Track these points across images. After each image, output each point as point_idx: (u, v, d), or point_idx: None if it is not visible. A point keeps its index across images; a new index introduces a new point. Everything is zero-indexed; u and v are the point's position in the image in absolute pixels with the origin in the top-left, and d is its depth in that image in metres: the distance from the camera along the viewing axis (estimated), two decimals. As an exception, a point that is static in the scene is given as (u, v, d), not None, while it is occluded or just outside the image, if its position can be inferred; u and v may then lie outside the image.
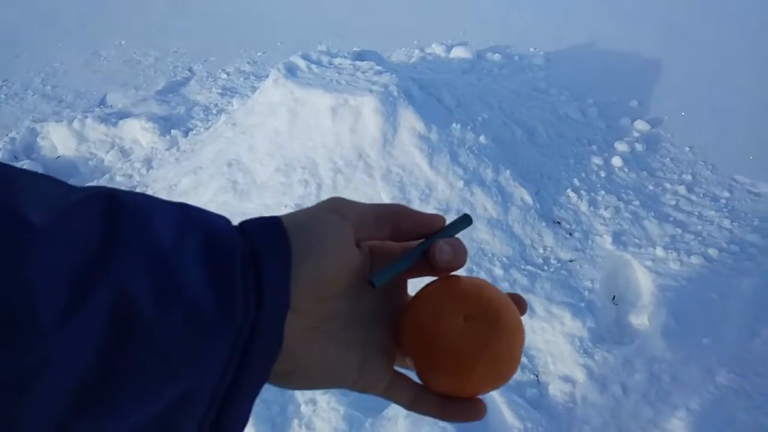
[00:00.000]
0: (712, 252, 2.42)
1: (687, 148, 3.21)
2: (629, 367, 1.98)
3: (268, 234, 0.36)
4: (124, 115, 3.54)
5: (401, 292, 0.45)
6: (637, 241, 2.51)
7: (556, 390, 1.93)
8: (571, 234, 2.54)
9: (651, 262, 2.37)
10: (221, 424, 0.34)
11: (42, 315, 0.26)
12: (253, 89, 3.69)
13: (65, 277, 0.27)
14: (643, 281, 2.33)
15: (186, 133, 3.36)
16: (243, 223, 0.37)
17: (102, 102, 3.96)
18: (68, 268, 0.28)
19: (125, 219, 0.31)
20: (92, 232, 0.29)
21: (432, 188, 2.55)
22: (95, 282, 0.28)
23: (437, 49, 4.25)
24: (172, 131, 3.34)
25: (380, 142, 2.62)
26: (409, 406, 0.43)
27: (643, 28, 4.69)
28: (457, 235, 0.44)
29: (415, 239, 0.43)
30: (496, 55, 4.16)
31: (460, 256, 0.42)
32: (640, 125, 3.38)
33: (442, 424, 1.71)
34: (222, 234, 0.34)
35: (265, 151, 2.73)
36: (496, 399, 1.83)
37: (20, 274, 0.26)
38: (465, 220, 0.45)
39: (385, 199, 2.50)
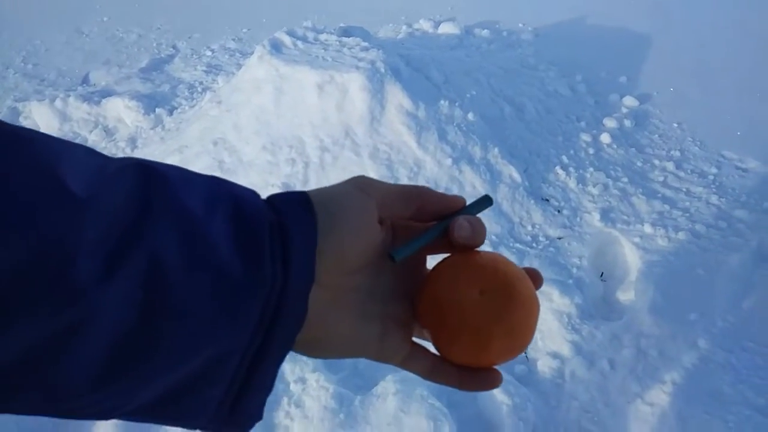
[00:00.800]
0: (700, 228, 2.43)
1: (675, 124, 3.21)
2: (617, 343, 1.99)
3: (295, 208, 0.38)
4: (107, 93, 3.48)
5: (420, 267, 0.46)
6: (625, 217, 2.51)
7: (544, 366, 1.94)
8: (559, 211, 2.53)
9: (639, 239, 2.37)
10: (248, 387, 0.36)
11: (81, 276, 0.28)
12: (239, 66, 3.63)
13: (103, 244, 0.30)
14: (631, 258, 2.33)
15: (171, 112, 3.31)
16: (271, 197, 0.39)
17: (85, 80, 3.89)
18: (106, 235, 0.30)
19: (159, 190, 0.33)
20: (128, 202, 0.31)
21: (420, 166, 2.53)
22: (131, 248, 0.30)
23: (425, 25, 4.20)
24: (157, 109, 3.29)
25: (367, 120, 2.59)
26: (426, 376, 0.45)
27: (633, 4, 4.65)
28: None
29: (436, 219, 0.45)
30: (485, 30, 4.12)
31: (478, 232, 0.43)
32: (629, 101, 3.36)
33: (430, 400, 1.72)
34: (251, 206, 0.36)
35: (251, 129, 2.69)
36: (484, 376, 1.83)
37: (62, 239, 0.28)
38: (485, 201, 0.46)
39: (373, 177, 2.48)
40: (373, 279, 0.43)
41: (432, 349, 0.45)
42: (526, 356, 1.98)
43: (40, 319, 0.28)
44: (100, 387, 0.31)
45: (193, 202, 0.34)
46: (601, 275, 2.30)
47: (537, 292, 0.44)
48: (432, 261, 0.46)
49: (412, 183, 2.46)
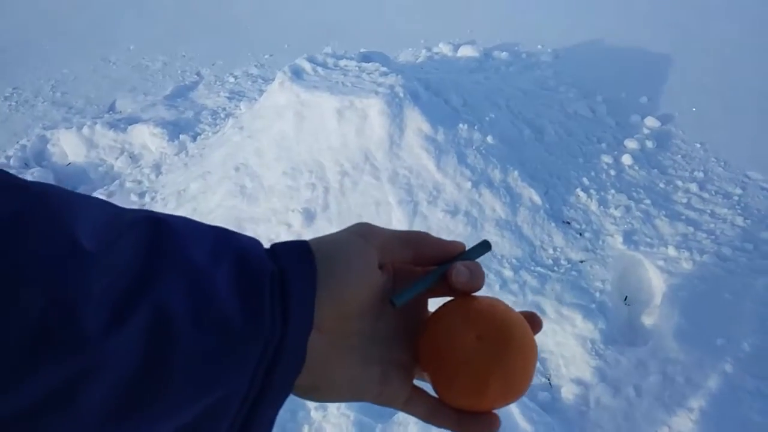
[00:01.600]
0: (726, 250, 2.39)
1: (698, 145, 3.17)
2: (642, 369, 1.95)
3: (295, 257, 0.39)
4: (133, 120, 3.55)
5: (421, 310, 0.47)
6: (648, 240, 2.48)
7: (568, 393, 1.91)
8: (581, 234, 2.51)
9: (663, 262, 2.34)
10: (247, 429, 0.37)
11: (87, 327, 0.30)
12: (261, 92, 3.69)
13: (110, 296, 0.31)
14: (655, 281, 2.30)
15: (194, 138, 3.37)
16: (274, 247, 0.40)
17: (111, 108, 3.98)
18: (113, 288, 0.31)
19: (166, 243, 0.35)
20: (136, 256, 0.33)
21: (440, 190, 2.53)
22: (137, 300, 0.32)
23: (444, 49, 4.23)
24: (181, 136, 3.35)
25: (387, 144, 2.61)
26: (426, 419, 0.45)
27: (652, 24, 4.64)
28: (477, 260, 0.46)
29: (436, 264, 0.46)
30: (504, 53, 4.13)
31: (476, 278, 0.44)
32: (651, 122, 3.34)
33: (452, 429, 1.70)
34: (253, 256, 0.37)
35: (272, 155, 2.72)
36: (506, 403, 1.81)
37: (70, 291, 0.30)
38: (484, 246, 0.47)
39: (392, 201, 2.49)
40: (374, 323, 0.44)
41: (432, 392, 0.45)
42: (550, 383, 1.95)
43: (48, 368, 0.29)
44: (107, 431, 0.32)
45: (200, 255, 0.35)
46: (625, 299, 2.27)
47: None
48: (434, 303, 0.47)
49: (431, 207, 2.46)
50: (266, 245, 0.40)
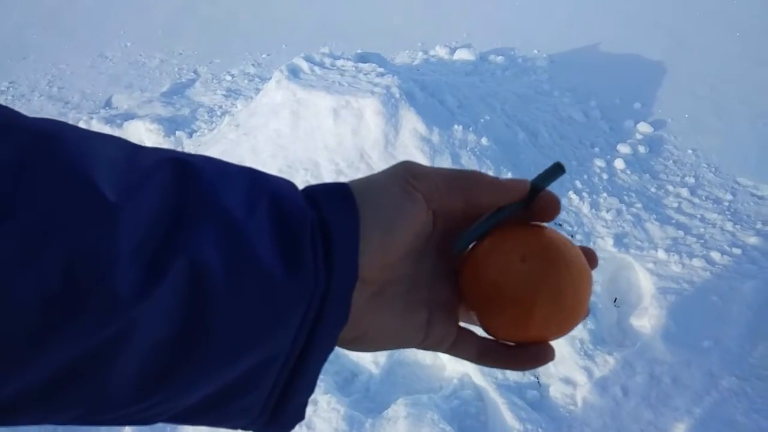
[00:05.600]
0: (714, 255, 2.42)
1: (690, 151, 3.21)
2: (630, 370, 1.98)
3: (336, 203, 0.35)
4: (129, 116, 3.56)
5: None
6: (638, 243, 2.50)
7: (556, 392, 1.93)
8: (572, 236, 2.54)
9: (653, 265, 2.37)
10: (291, 389, 0.35)
11: (118, 292, 0.27)
12: (257, 91, 3.71)
13: (140, 254, 0.28)
14: (645, 283, 2.33)
15: (190, 135, 3.38)
16: (310, 190, 0.37)
17: (107, 103, 3.99)
18: (143, 243, 0.28)
19: (196, 188, 0.31)
20: (164, 202, 0.30)
21: (434, 190, 2.55)
22: (170, 256, 0.29)
23: (440, 51, 4.25)
24: (177, 132, 3.36)
25: (382, 144, 2.63)
26: (476, 360, 0.42)
27: (647, 31, 4.69)
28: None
29: (490, 209, 0.41)
30: (500, 57, 4.16)
31: (553, 212, 0.41)
32: (643, 127, 3.37)
33: (441, 424, 1.72)
34: (290, 202, 0.34)
35: (268, 152, 2.74)
36: (496, 400, 1.83)
37: (97, 252, 0.27)
38: (557, 169, 0.40)
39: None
40: (417, 265, 0.40)
41: (480, 332, 0.42)
42: (538, 381, 1.98)
43: (77, 337, 0.27)
44: (142, 398, 0.30)
45: (232, 201, 0.32)
46: (615, 301, 2.30)
47: None
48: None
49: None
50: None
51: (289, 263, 0.32)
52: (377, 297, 0.38)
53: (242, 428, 0.36)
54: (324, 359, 0.35)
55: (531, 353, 0.41)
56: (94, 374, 0.28)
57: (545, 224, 0.41)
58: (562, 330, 0.39)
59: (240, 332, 0.31)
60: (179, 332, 0.29)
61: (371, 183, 0.38)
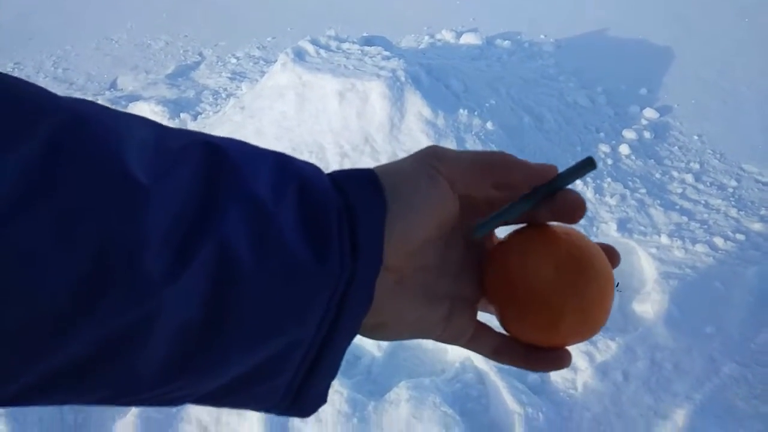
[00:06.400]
0: (718, 240, 2.42)
1: (696, 137, 3.20)
2: (631, 355, 1.99)
3: (362, 188, 0.36)
4: (134, 98, 3.56)
5: (489, 236, 0.43)
6: (642, 228, 2.51)
7: (557, 376, 1.94)
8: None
9: (656, 250, 2.37)
10: (314, 373, 0.35)
11: (149, 275, 0.27)
12: (263, 74, 3.70)
13: (171, 237, 0.28)
14: (648, 269, 2.33)
15: (195, 117, 3.38)
16: (336, 174, 0.37)
17: (113, 85, 3.99)
18: (173, 227, 0.28)
19: (224, 172, 0.31)
20: (194, 186, 0.30)
21: (438, 174, 2.55)
22: (200, 240, 0.29)
23: (447, 35, 4.23)
24: (182, 115, 3.36)
25: (387, 127, 2.63)
26: (492, 356, 0.43)
27: (653, 17, 4.64)
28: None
29: (521, 192, 0.40)
30: (506, 41, 4.14)
31: (581, 210, 0.39)
32: (649, 113, 3.36)
33: (443, 407, 1.73)
34: (317, 187, 0.34)
35: (273, 134, 2.74)
36: (497, 384, 1.85)
37: (128, 234, 0.27)
38: (587, 164, 0.39)
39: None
40: (442, 255, 0.40)
41: (497, 326, 0.43)
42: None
43: (107, 319, 0.27)
44: (168, 380, 0.30)
45: (260, 186, 0.32)
46: (617, 285, 2.31)
47: None
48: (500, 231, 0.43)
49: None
50: None
51: (316, 248, 0.32)
52: (400, 285, 0.38)
53: (264, 411, 0.37)
54: (347, 345, 0.36)
55: (550, 358, 0.41)
56: (122, 356, 0.28)
57: (572, 227, 0.41)
58: (584, 338, 0.40)
59: (267, 316, 0.31)
60: (206, 315, 0.29)
61: (397, 169, 0.38)
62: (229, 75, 3.97)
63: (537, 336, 0.40)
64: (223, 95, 3.67)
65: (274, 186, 0.33)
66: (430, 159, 0.38)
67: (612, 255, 0.41)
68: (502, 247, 0.41)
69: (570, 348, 0.41)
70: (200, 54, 4.37)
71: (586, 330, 0.39)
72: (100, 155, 0.27)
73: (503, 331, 0.43)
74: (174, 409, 1.77)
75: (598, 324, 0.40)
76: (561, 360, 0.41)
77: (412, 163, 0.38)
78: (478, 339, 0.43)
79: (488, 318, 0.43)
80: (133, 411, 1.76)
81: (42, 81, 3.99)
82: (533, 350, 0.41)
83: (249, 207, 0.31)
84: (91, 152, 0.27)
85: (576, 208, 0.39)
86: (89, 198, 0.26)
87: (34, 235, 0.25)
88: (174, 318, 0.28)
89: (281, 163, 0.34)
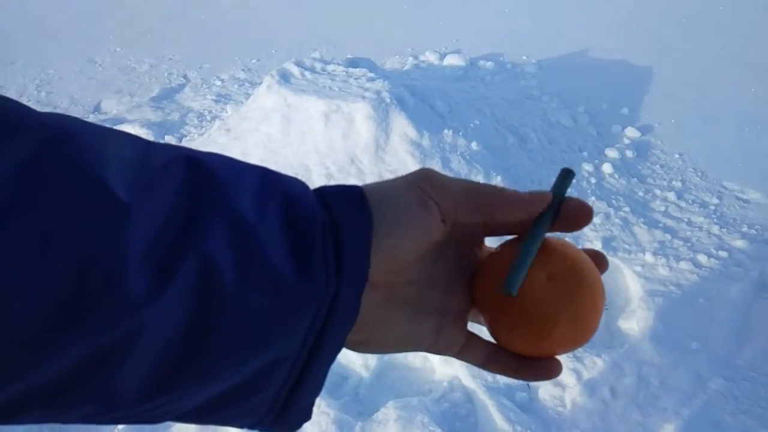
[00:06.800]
0: (701, 258, 2.44)
1: (677, 155, 3.24)
2: (618, 371, 1.99)
3: (349, 206, 0.35)
4: (118, 121, 3.55)
5: (478, 247, 0.43)
6: (626, 246, 2.53)
7: (545, 394, 1.94)
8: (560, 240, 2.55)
9: (640, 268, 2.39)
10: (298, 389, 0.35)
11: (130, 293, 0.27)
12: (248, 96, 3.71)
13: (152, 255, 0.28)
14: (633, 286, 2.35)
15: (180, 140, 3.38)
16: (323, 191, 0.36)
17: (97, 108, 3.97)
18: (155, 241, 0.28)
19: (207, 188, 0.31)
20: (176, 202, 0.29)
21: (424, 194, 2.56)
22: (182, 258, 0.28)
23: (431, 57, 4.28)
24: (166, 137, 3.36)
25: (372, 148, 2.64)
26: (483, 365, 0.42)
27: (634, 37, 4.73)
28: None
29: (515, 226, 0.40)
30: (489, 62, 4.19)
31: (585, 221, 0.40)
32: (631, 132, 3.41)
33: (431, 427, 1.72)
34: (302, 202, 0.34)
35: (259, 156, 2.74)
36: (485, 402, 1.84)
37: (108, 252, 0.26)
38: (568, 176, 0.40)
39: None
40: (430, 269, 0.40)
41: (487, 336, 0.42)
42: (528, 384, 1.99)
43: (86, 338, 0.26)
44: (150, 398, 0.30)
45: (244, 201, 0.32)
46: (603, 303, 2.31)
47: None
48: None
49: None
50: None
51: (299, 265, 0.32)
52: (387, 302, 0.38)
53: (249, 428, 0.36)
54: (332, 361, 0.35)
55: (541, 367, 0.41)
56: (102, 375, 0.28)
57: (563, 238, 0.42)
58: (573, 348, 0.40)
59: (249, 334, 0.31)
60: (189, 332, 0.29)
61: (386, 188, 0.37)
62: (213, 97, 3.98)
63: (527, 345, 0.40)
64: (208, 117, 3.67)
65: (258, 201, 0.32)
66: (423, 182, 0.38)
67: (599, 260, 0.42)
68: (494, 258, 0.41)
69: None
70: (185, 76, 4.38)
71: (576, 340, 0.39)
72: (80, 173, 0.27)
73: (493, 341, 0.43)
74: (159, 428, 1.74)
75: (588, 334, 0.40)
76: (551, 369, 0.41)
77: (403, 184, 0.38)
78: (469, 350, 0.42)
79: (478, 328, 0.43)
80: (120, 428, 1.73)
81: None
82: (522, 360, 0.41)
83: (232, 222, 0.31)
84: (70, 170, 0.27)
85: (580, 214, 0.39)
86: (67, 216, 0.26)
87: (9, 254, 0.24)
88: (156, 336, 0.28)
89: (265, 178, 0.34)
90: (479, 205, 0.38)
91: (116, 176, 0.28)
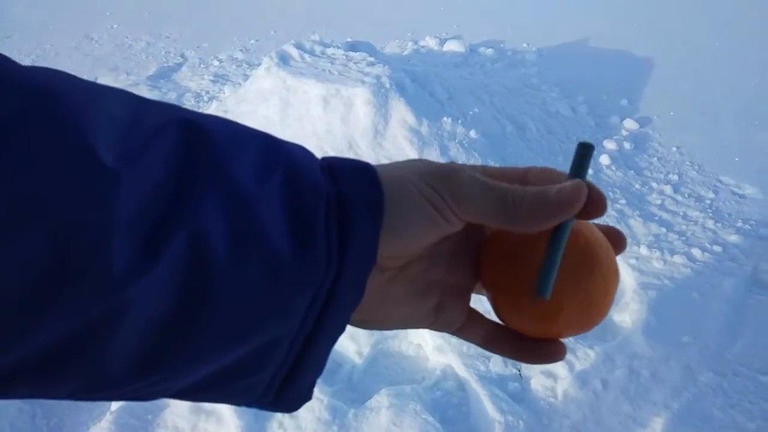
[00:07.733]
0: (696, 252, 2.45)
1: (674, 148, 3.24)
2: (610, 364, 2.00)
3: (360, 185, 0.32)
4: (114, 99, 3.52)
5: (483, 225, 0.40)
6: (622, 239, 2.53)
7: (537, 384, 1.95)
8: (557, 230, 2.56)
9: (635, 260, 2.40)
10: (298, 370, 0.33)
11: (114, 266, 0.25)
12: (246, 77, 3.68)
13: (139, 226, 0.26)
14: (627, 279, 2.36)
15: (176, 120, 3.35)
16: (331, 162, 0.34)
17: (92, 85, 3.94)
18: (142, 215, 0.26)
19: (203, 154, 0.29)
20: (168, 171, 0.27)
21: (421, 181, 2.56)
22: (171, 229, 0.27)
23: (430, 42, 4.25)
24: (163, 117, 3.33)
25: (371, 133, 2.63)
26: (482, 344, 0.40)
27: (636, 28, 4.71)
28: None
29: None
30: (489, 49, 4.17)
31: (603, 209, 0.37)
32: (629, 124, 3.40)
33: (423, 415, 1.73)
34: (306, 174, 0.31)
35: (256, 139, 2.73)
36: (477, 392, 1.85)
37: (91, 222, 0.25)
38: (589, 152, 0.37)
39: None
40: (435, 249, 0.37)
41: (489, 314, 0.41)
42: (520, 374, 2.00)
43: (70, 313, 0.25)
44: (140, 376, 0.29)
45: (242, 169, 0.29)
46: (597, 295, 2.32)
47: None
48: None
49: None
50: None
51: (298, 242, 0.30)
52: (393, 282, 0.36)
53: (247, 405, 0.35)
54: (334, 341, 0.34)
55: (544, 350, 0.39)
56: (88, 351, 0.26)
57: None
58: (581, 331, 0.38)
59: (244, 313, 0.29)
60: (179, 311, 0.27)
61: (398, 173, 0.34)
62: (211, 77, 3.95)
63: (534, 327, 0.38)
64: (206, 98, 3.64)
65: (257, 171, 0.30)
66: (439, 186, 0.34)
67: (617, 239, 0.39)
68: (502, 235, 0.38)
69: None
70: (182, 56, 4.33)
71: (585, 323, 0.37)
72: (61, 135, 0.25)
73: (495, 319, 0.41)
74: (150, 416, 1.74)
75: (599, 318, 0.38)
76: (556, 352, 0.39)
77: (417, 180, 0.34)
78: (468, 328, 0.40)
79: (480, 305, 0.42)
80: (108, 417, 1.73)
81: (20, 79, 3.93)
82: (527, 341, 0.39)
83: (228, 193, 0.28)
84: (53, 132, 0.25)
85: (600, 206, 0.37)
86: (49, 182, 0.24)
87: None
88: (143, 312, 0.26)
89: (268, 146, 0.32)
90: (505, 222, 0.35)
91: (103, 139, 0.26)
